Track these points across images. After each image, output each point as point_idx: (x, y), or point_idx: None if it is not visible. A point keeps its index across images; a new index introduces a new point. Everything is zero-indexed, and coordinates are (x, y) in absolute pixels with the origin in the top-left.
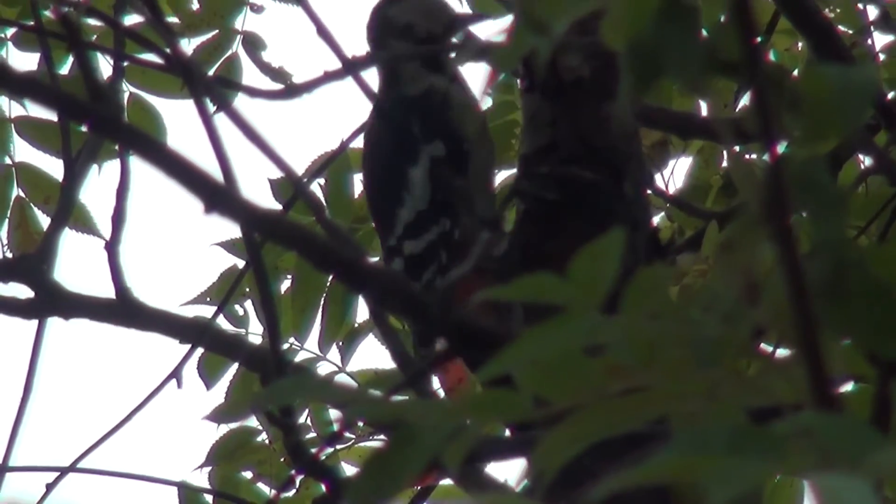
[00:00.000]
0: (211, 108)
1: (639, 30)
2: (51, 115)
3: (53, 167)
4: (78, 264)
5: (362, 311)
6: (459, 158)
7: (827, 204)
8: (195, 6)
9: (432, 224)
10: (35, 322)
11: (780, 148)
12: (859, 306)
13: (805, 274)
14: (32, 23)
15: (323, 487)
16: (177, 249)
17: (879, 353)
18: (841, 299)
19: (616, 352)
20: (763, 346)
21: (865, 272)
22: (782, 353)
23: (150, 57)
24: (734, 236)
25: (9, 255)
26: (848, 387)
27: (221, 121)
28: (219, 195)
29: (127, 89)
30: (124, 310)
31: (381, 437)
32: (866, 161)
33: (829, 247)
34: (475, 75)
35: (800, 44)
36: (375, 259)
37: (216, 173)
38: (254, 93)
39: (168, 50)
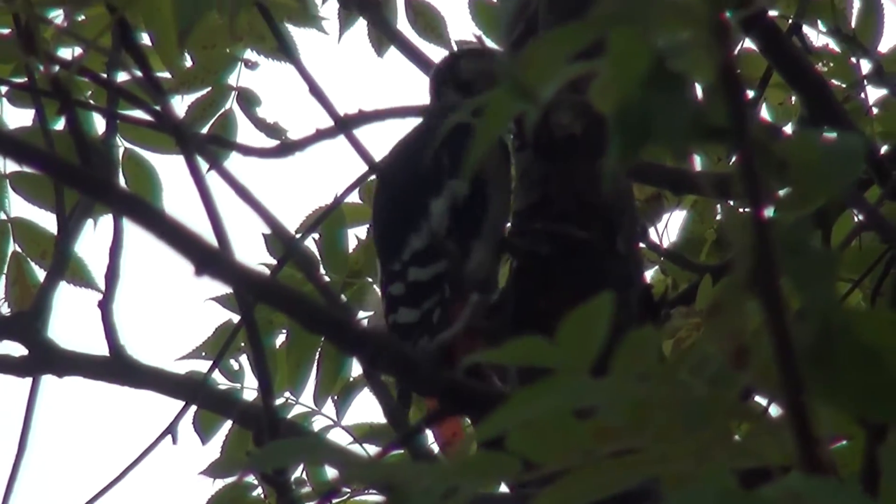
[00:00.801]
0: (204, 166)
1: (627, 94)
2: None
3: (50, 222)
4: (74, 319)
5: (357, 366)
6: (480, 202)
7: (814, 268)
8: (189, 63)
9: (440, 256)
10: (29, 380)
11: (768, 211)
12: (846, 370)
13: (792, 338)
14: (26, 80)
15: None
16: (173, 304)
17: (866, 417)
18: (828, 363)
19: (606, 414)
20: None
21: (852, 336)
22: (775, 411)
23: (143, 114)
24: (722, 299)
25: (6, 309)
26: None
27: (214, 179)
28: (209, 258)
29: (122, 145)
30: (118, 368)
31: (377, 491)
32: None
33: (816, 311)
34: None
35: (793, 98)
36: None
37: (208, 233)
38: (247, 151)
39: (158, 108)
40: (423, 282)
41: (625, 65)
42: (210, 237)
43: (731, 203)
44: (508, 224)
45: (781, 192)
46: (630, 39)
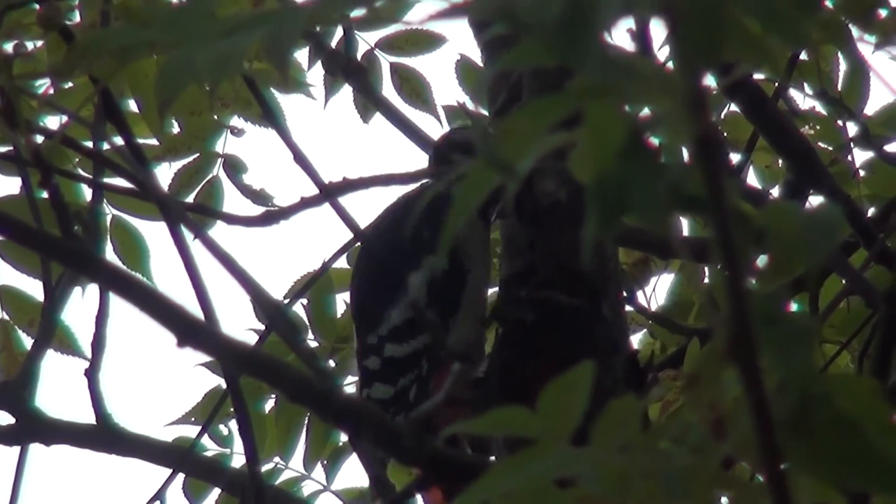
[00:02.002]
0: (188, 235)
1: (604, 166)
2: None
3: (37, 290)
4: (60, 387)
5: None
6: (459, 276)
7: (792, 337)
8: (175, 129)
9: (420, 334)
10: (17, 448)
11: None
12: (826, 440)
13: (771, 407)
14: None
15: None
16: (161, 369)
17: (848, 487)
18: (807, 433)
19: (587, 483)
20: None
21: (831, 406)
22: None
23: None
24: (701, 368)
25: None
26: None
27: (199, 247)
28: (191, 329)
29: (109, 211)
30: (105, 436)
31: None
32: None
33: (795, 380)
34: None
35: (780, 160)
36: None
37: (193, 302)
38: (231, 220)
39: (141, 178)
40: (399, 358)
41: (601, 136)
42: (195, 306)
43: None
44: (493, 291)
45: (759, 261)
46: (606, 111)
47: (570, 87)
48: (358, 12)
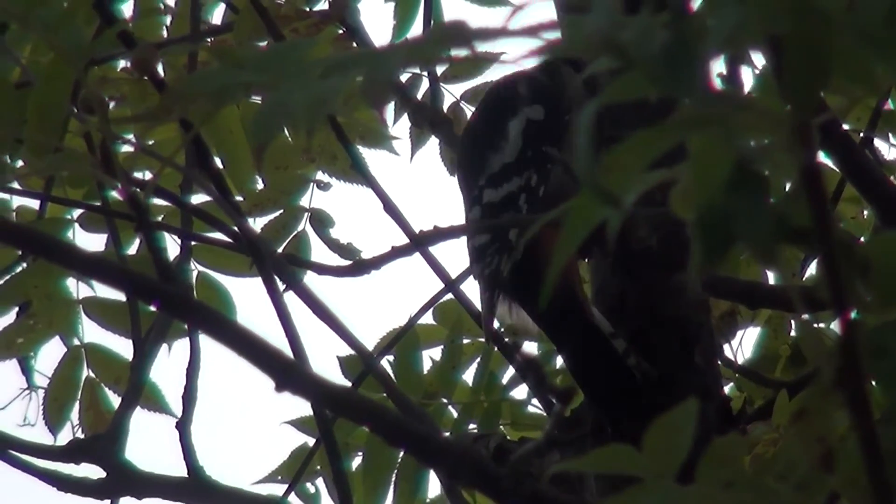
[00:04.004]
0: (280, 286)
1: (708, 200)
2: (118, 296)
3: (122, 347)
4: (148, 442)
5: (434, 487)
6: (557, 126)
7: None
8: (260, 185)
9: (514, 175)
10: (108, 502)
11: (852, 315)
12: None
13: (880, 441)
14: (99, 203)
15: None
16: (246, 427)
17: None
18: None
19: None
20: None
21: None
22: None
23: (218, 236)
24: (808, 404)
25: (80, 435)
26: None
27: (289, 298)
28: (291, 373)
29: (195, 268)
30: (196, 489)
31: None
32: None
33: None
34: None
35: (865, 212)
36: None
37: (286, 351)
38: (322, 270)
39: (236, 229)
40: (497, 203)
41: (707, 169)
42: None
43: (806, 317)
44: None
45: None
46: (712, 143)
47: (674, 119)
48: (446, 61)
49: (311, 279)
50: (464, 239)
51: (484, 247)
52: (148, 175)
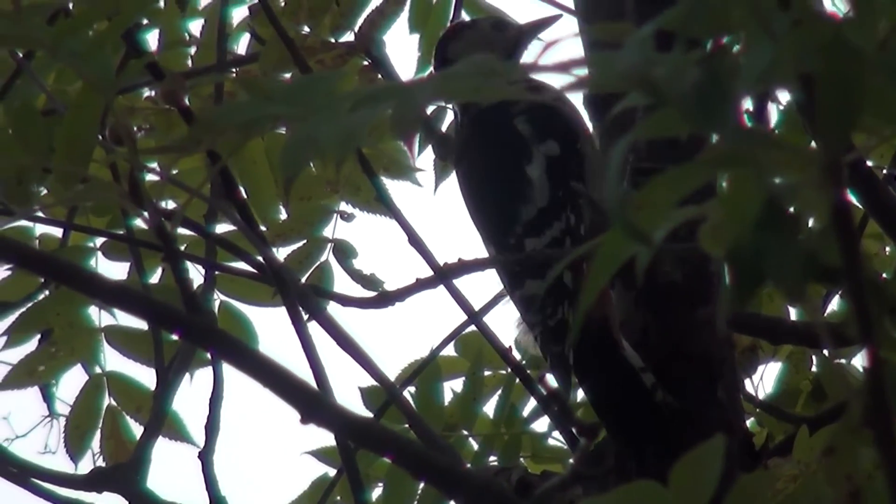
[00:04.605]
0: (304, 316)
1: (739, 237)
2: (140, 324)
3: (144, 376)
4: (171, 472)
5: None
6: (574, 158)
7: None
8: (283, 215)
9: (555, 220)
10: None
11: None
12: None
13: None
14: (122, 232)
15: None
16: (268, 457)
17: None
18: None
19: None
20: None
21: None
22: None
23: (242, 265)
24: (836, 441)
25: (101, 464)
26: None
27: (313, 328)
28: (315, 404)
29: (218, 298)
30: None
31: None
32: None
33: None
34: None
35: (887, 249)
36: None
37: (310, 381)
38: (346, 301)
39: (260, 258)
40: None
41: (738, 207)
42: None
43: (827, 353)
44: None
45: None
46: (743, 181)
47: (706, 157)
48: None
49: (334, 309)
50: (490, 273)
51: (535, 297)
52: (171, 204)
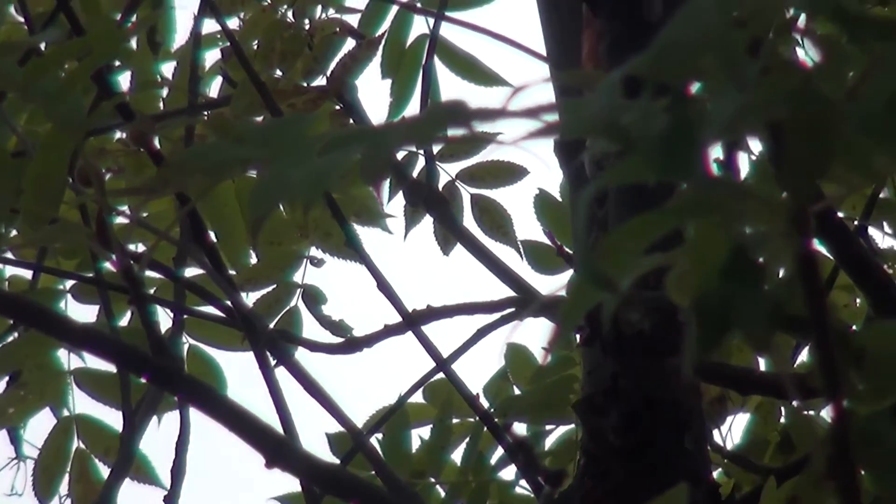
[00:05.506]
0: (271, 361)
1: (704, 285)
2: (109, 367)
3: (113, 418)
4: None
5: None
6: None
7: (891, 459)
8: (253, 260)
9: None
10: None
11: (844, 404)
12: None
13: None
14: (91, 275)
15: None
16: (234, 502)
17: None
18: None
19: None
20: None
21: None
22: None
23: (211, 309)
24: (800, 491)
25: None
26: None
27: (280, 373)
28: (281, 449)
29: (186, 341)
30: None
31: None
32: None
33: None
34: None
35: (858, 300)
36: None
37: (276, 426)
38: (314, 347)
39: (229, 303)
40: None
41: (703, 255)
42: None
43: (796, 404)
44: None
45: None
46: (709, 229)
47: (672, 204)
48: (443, 140)
49: (302, 355)
50: (459, 321)
51: None
52: (141, 247)
